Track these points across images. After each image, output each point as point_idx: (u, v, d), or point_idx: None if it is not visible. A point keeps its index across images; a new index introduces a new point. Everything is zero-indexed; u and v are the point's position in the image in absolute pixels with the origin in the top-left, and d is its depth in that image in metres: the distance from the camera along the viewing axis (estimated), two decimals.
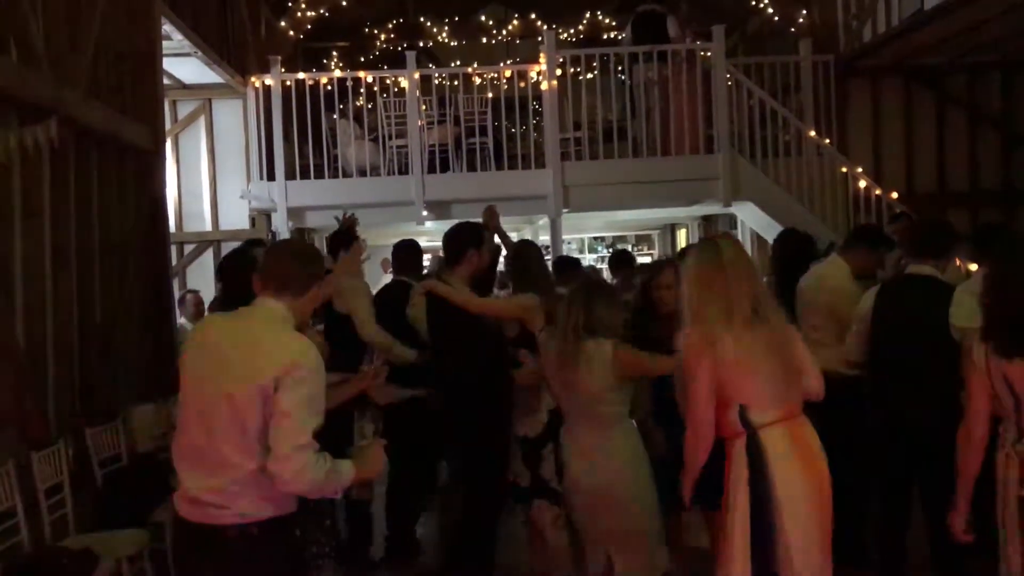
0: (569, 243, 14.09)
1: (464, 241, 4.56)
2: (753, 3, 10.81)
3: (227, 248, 9.28)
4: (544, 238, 10.86)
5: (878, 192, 9.01)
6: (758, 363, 3.09)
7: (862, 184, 9.06)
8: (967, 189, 10.15)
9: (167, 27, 6.86)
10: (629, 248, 16.49)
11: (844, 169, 9.17)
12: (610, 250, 16.79)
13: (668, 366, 3.51)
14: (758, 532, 3.07)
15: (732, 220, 11.30)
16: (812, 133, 9.28)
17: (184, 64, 8.13)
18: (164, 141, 7.13)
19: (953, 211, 9.95)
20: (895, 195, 9.08)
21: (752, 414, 3.11)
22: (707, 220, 12.52)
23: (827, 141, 9.39)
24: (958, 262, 5.72)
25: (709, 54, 9.27)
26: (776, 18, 10.72)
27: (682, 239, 14.52)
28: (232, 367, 2.59)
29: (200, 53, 7.70)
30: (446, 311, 4.49)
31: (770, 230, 9.43)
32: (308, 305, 2.83)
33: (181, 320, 7.30)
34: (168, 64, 7.58)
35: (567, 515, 4.03)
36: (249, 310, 2.76)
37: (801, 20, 10.41)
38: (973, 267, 7.06)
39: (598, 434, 3.74)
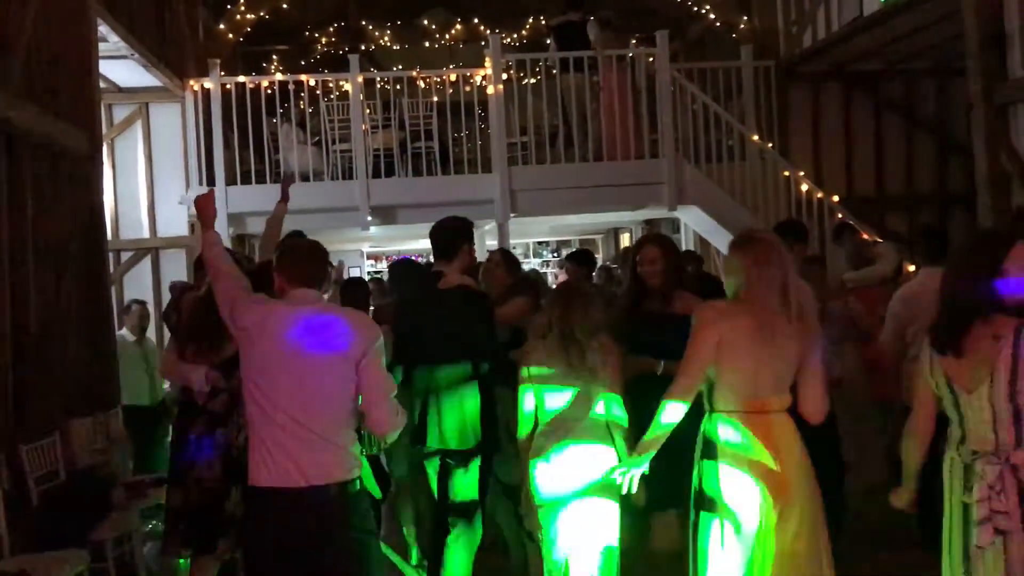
0: (515, 248, 14.05)
1: (459, 236, 4.43)
2: (695, 8, 10.92)
3: (165, 255, 9.14)
4: (491, 243, 10.82)
5: (820, 195, 9.16)
6: (750, 350, 3.14)
7: (804, 188, 9.20)
8: (904, 193, 10.39)
9: (103, 28, 6.66)
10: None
11: (786, 173, 9.30)
12: (555, 255, 16.86)
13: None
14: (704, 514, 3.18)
15: (675, 224, 11.40)
16: (755, 138, 9.40)
17: (120, 67, 7.90)
18: (101, 146, 6.91)
19: (890, 214, 10.19)
20: (836, 198, 9.24)
21: (718, 396, 3.20)
22: (649, 224, 12.61)
23: (769, 145, 9.53)
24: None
25: (652, 59, 9.33)
26: (718, 24, 10.85)
27: (625, 242, 14.62)
28: (320, 347, 3.08)
29: (137, 55, 7.49)
30: (457, 315, 4.30)
31: (715, 234, 9.53)
32: None
33: (122, 331, 7.07)
34: (104, 66, 7.35)
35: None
36: (298, 299, 3.20)
37: (742, 26, 10.54)
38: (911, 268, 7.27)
39: (584, 435, 3.70)
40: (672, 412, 3.22)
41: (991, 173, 6.87)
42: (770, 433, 3.17)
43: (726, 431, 3.18)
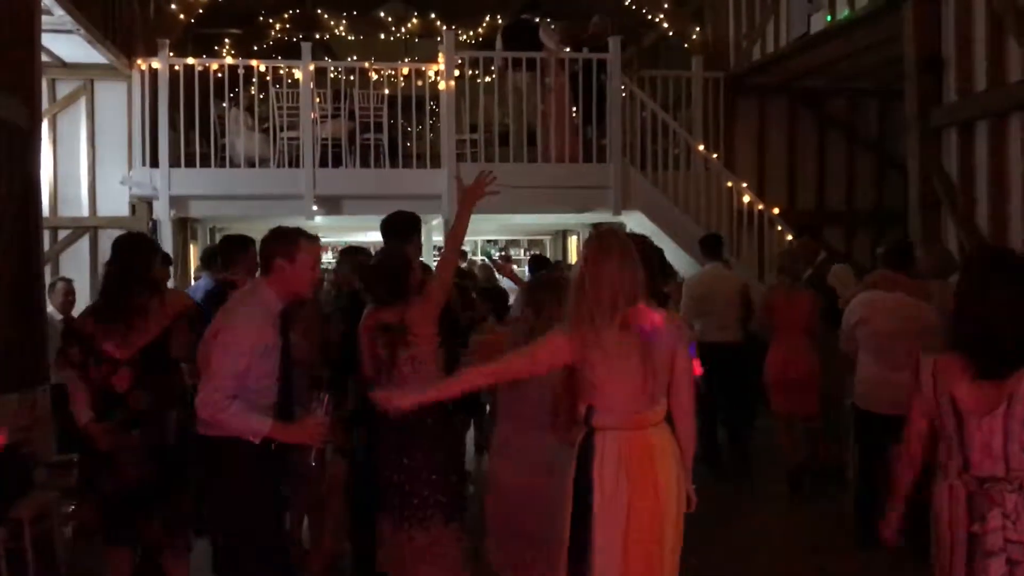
0: (462, 245, 14.06)
1: (414, 225, 4.85)
2: (649, 17, 11.05)
3: (104, 235, 8.99)
4: (437, 239, 10.84)
5: (761, 207, 9.34)
6: (617, 366, 3.02)
7: (746, 199, 9.37)
8: (844, 208, 10.62)
9: (47, 1, 6.53)
10: (522, 252, 16.62)
11: (730, 184, 9.47)
12: (502, 253, 16.88)
13: None
14: (576, 530, 3.08)
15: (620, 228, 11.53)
16: (701, 147, 9.55)
17: (65, 41, 7.76)
18: (40, 120, 6.78)
19: (830, 229, 10.43)
20: (777, 211, 9.42)
21: (596, 416, 3.09)
22: (596, 228, 12.73)
23: (715, 156, 9.68)
24: None
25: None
26: (671, 33, 10.99)
27: (573, 245, 14.73)
28: None
29: (83, 31, 7.36)
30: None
31: (657, 239, 9.65)
32: None
33: (49, 310, 6.93)
34: (47, 40, 7.22)
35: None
36: None
37: (695, 37, 10.69)
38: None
39: (532, 435, 3.74)
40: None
41: (923, 194, 7.09)
42: (638, 446, 3.13)
43: (593, 444, 3.15)
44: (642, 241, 3.69)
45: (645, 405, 3.07)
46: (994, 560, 2.66)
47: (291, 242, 3.61)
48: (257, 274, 4.54)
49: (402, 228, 4.80)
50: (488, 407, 6.01)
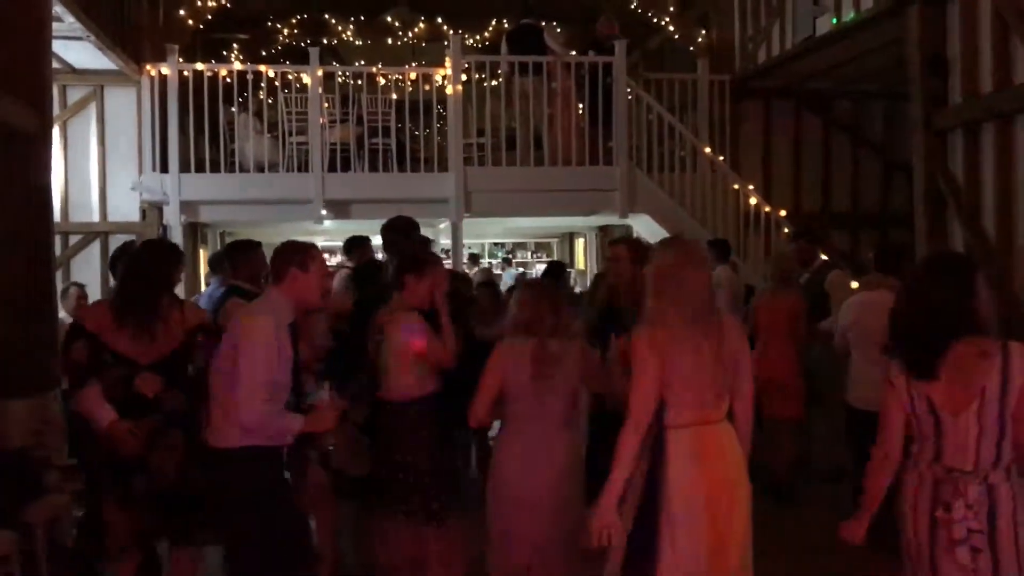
0: (469, 248, 14.15)
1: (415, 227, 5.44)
2: (655, 20, 11.08)
3: (115, 240, 9.05)
4: (445, 242, 10.89)
5: (767, 210, 9.36)
6: (692, 365, 3.15)
7: (752, 201, 9.39)
8: (849, 211, 10.63)
9: (58, 8, 6.60)
10: (529, 255, 16.67)
11: (736, 186, 9.49)
12: (510, 256, 16.97)
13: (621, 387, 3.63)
14: (641, 525, 3.16)
15: (628, 232, 11.54)
16: (707, 150, 9.57)
17: (75, 48, 7.83)
18: (51, 126, 6.84)
19: (835, 231, 10.44)
20: (783, 213, 9.44)
21: (668, 414, 3.17)
22: (603, 230, 12.76)
23: (721, 158, 9.71)
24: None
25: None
26: (677, 36, 11.01)
27: (580, 248, 14.76)
28: None
29: (93, 37, 7.43)
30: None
31: None
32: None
33: (61, 315, 6.99)
34: (58, 47, 7.29)
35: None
36: None
37: (700, 39, 10.72)
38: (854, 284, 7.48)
39: (547, 436, 3.76)
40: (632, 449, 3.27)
41: (928, 195, 7.10)
42: (710, 441, 3.26)
43: (666, 440, 3.25)
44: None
45: (714, 402, 3.21)
46: (959, 548, 2.76)
47: (304, 252, 3.78)
48: (265, 282, 4.65)
49: (401, 230, 5.31)
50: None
